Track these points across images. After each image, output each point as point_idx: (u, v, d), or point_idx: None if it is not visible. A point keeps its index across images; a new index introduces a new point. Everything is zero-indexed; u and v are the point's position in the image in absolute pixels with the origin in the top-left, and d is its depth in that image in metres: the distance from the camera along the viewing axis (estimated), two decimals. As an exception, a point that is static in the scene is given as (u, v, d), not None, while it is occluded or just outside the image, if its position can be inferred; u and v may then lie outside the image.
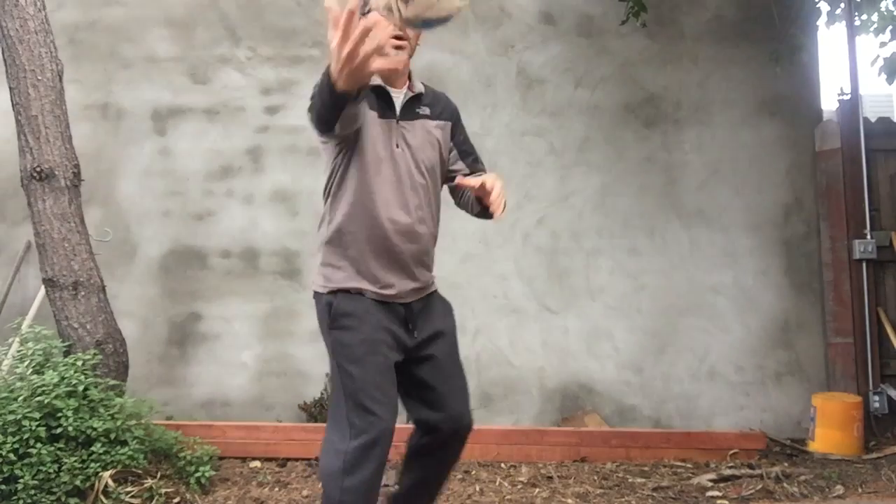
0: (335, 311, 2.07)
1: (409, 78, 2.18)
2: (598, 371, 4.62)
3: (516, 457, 3.91)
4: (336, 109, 1.80)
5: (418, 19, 1.82)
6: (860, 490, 3.56)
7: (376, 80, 2.09)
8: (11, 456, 2.99)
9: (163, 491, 3.23)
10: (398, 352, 2.08)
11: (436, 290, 2.24)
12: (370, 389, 1.99)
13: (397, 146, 2.10)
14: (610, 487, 3.56)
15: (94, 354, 3.43)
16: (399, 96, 2.14)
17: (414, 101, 2.17)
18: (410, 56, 2.14)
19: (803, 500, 3.44)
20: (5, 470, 2.98)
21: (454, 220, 4.60)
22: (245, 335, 4.66)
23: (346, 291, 2.08)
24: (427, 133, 2.16)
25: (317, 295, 2.15)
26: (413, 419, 2.22)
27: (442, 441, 2.18)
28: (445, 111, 2.24)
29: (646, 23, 4.50)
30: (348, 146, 2.09)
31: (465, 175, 2.24)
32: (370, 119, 2.07)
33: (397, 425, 2.02)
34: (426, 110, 2.18)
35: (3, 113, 4.06)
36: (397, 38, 2.03)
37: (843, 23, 4.65)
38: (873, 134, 4.66)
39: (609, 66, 4.82)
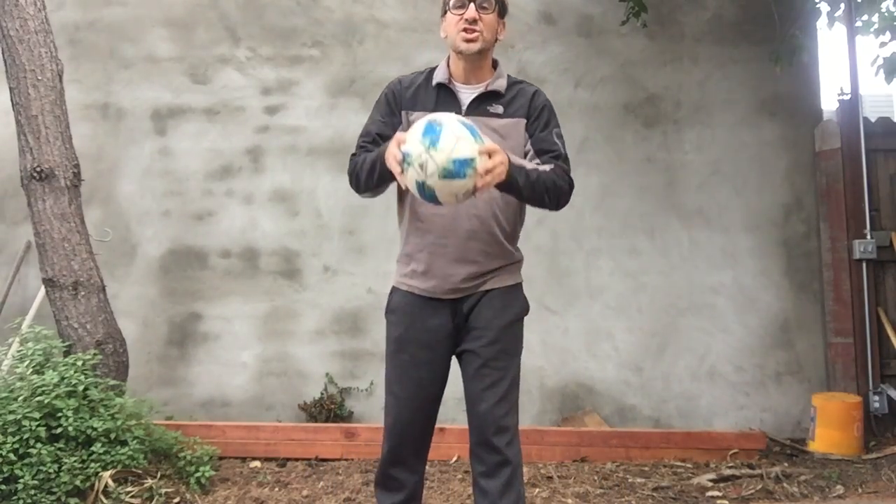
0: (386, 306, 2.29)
1: (493, 74, 2.21)
2: (598, 371, 4.62)
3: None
4: (383, 184, 2.12)
5: (444, 170, 1.83)
6: (860, 490, 3.57)
7: (441, 78, 2.20)
8: (11, 456, 2.99)
9: (163, 491, 3.23)
10: (440, 347, 2.19)
11: (499, 288, 2.20)
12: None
13: None
14: (610, 487, 3.56)
15: (94, 354, 3.43)
16: (469, 93, 2.18)
17: (486, 98, 2.18)
18: (487, 48, 2.16)
19: (803, 500, 3.44)
20: (5, 470, 2.98)
21: (454, 220, 4.62)
22: (245, 335, 4.66)
23: (396, 288, 2.26)
24: (493, 132, 2.12)
25: None
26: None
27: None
28: (522, 108, 2.19)
29: (646, 23, 4.51)
30: None
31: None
32: (417, 116, 2.11)
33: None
34: (499, 108, 2.18)
35: (3, 113, 4.06)
36: (467, 30, 2.12)
37: (844, 23, 4.65)
38: (873, 134, 4.66)
39: (609, 66, 4.82)
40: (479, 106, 2.17)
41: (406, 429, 2.21)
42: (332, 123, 4.78)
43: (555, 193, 2.13)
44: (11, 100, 3.63)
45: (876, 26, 4.50)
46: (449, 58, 2.23)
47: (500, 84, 2.20)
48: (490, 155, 1.88)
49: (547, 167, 2.14)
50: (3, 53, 3.66)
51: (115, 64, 4.84)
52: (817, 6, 4.63)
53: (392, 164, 1.89)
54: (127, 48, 4.84)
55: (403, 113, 2.21)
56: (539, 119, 2.20)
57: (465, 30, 2.12)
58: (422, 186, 1.85)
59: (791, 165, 4.75)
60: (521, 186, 2.01)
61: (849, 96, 4.69)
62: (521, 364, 2.24)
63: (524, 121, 2.19)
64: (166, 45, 4.85)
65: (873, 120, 4.75)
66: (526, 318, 2.31)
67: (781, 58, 4.43)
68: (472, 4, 2.13)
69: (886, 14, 4.44)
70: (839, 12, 4.55)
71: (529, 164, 2.13)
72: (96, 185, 4.60)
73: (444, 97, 2.19)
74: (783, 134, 4.77)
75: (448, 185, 1.83)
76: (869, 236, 4.55)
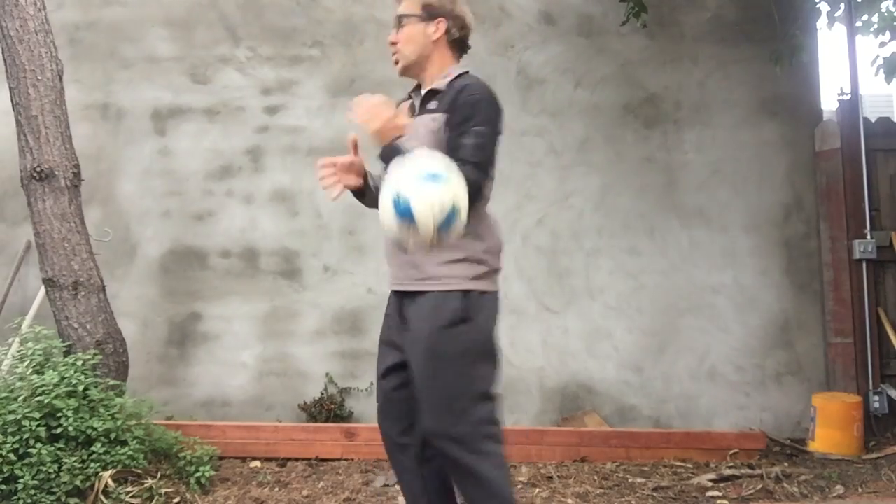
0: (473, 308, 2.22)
1: (439, 74, 2.25)
2: (598, 371, 4.62)
3: (516, 457, 3.91)
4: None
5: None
6: (860, 490, 3.57)
7: (412, 87, 2.31)
8: (11, 456, 2.99)
9: (163, 491, 3.23)
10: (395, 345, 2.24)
11: (431, 292, 2.12)
12: None
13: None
14: (610, 487, 3.56)
15: (94, 354, 3.43)
16: (419, 95, 2.28)
17: (428, 97, 2.23)
18: (412, 61, 2.25)
19: (803, 500, 3.44)
20: (5, 470, 2.98)
21: (454, 220, 4.62)
22: (245, 335, 4.66)
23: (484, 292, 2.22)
24: (424, 127, 2.16)
25: None
26: None
27: None
28: (446, 104, 2.15)
29: (646, 23, 4.50)
30: None
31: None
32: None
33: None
34: (434, 104, 2.20)
35: (3, 113, 4.06)
36: (393, 53, 2.24)
37: (844, 23, 4.65)
38: (873, 134, 4.66)
39: (609, 66, 4.82)
40: (422, 106, 2.24)
41: None
42: (332, 123, 4.77)
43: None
44: (11, 100, 3.63)
45: (876, 26, 4.50)
46: None
47: (441, 83, 2.21)
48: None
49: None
50: (3, 53, 3.66)
51: (115, 64, 4.84)
52: (817, 6, 4.63)
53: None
54: (127, 48, 4.84)
55: None
56: (455, 113, 2.11)
57: (392, 54, 2.27)
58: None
59: (791, 165, 4.75)
60: (401, 151, 1.97)
61: (849, 96, 4.69)
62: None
63: (444, 115, 2.13)
64: (166, 45, 4.85)
65: (873, 120, 4.74)
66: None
67: (781, 58, 4.43)
68: (394, 28, 2.28)
69: (886, 14, 4.44)
70: (839, 12, 4.55)
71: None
72: (96, 185, 4.60)
73: (413, 104, 2.30)
74: (783, 134, 4.76)
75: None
76: (869, 236, 4.55)
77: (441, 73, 2.24)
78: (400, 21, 2.25)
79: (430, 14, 2.23)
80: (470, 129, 2.08)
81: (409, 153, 1.94)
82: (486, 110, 2.13)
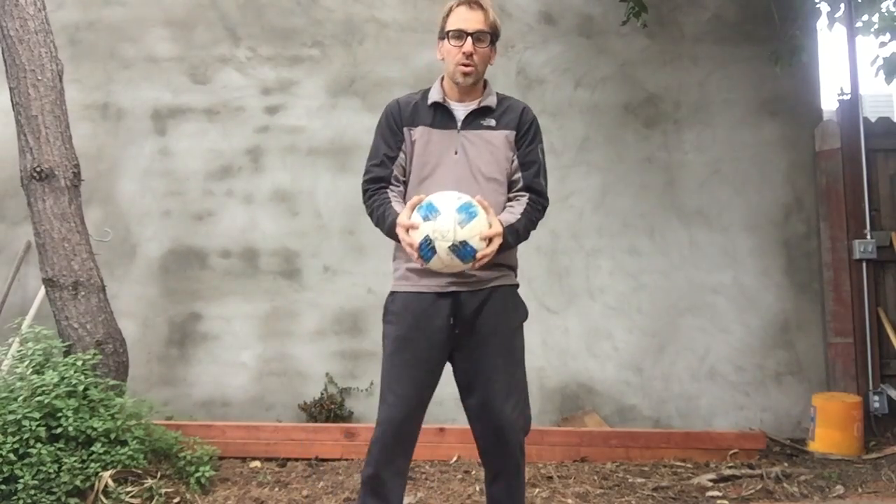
0: (384, 308, 2.37)
1: (483, 92, 2.37)
2: (598, 371, 4.62)
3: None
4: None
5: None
6: (860, 490, 3.57)
7: (435, 97, 2.35)
8: (11, 456, 2.99)
9: (163, 491, 3.23)
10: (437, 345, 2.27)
11: (501, 287, 2.30)
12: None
13: (456, 153, 2.30)
14: (610, 487, 3.56)
15: (94, 354, 3.43)
16: (463, 109, 2.34)
17: (479, 113, 2.34)
18: (481, 71, 2.33)
19: (803, 500, 3.44)
20: (5, 470, 2.98)
21: (454, 220, 4.62)
22: (245, 335, 4.66)
23: (394, 292, 2.35)
24: (487, 143, 2.31)
25: None
26: None
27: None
28: (512, 121, 2.34)
29: (646, 23, 4.50)
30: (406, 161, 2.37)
31: (518, 190, 2.35)
32: (420, 131, 2.32)
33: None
34: (491, 122, 2.33)
35: (3, 113, 4.06)
36: (465, 64, 2.29)
37: (844, 23, 4.65)
38: (873, 134, 4.66)
39: (609, 66, 4.82)
40: (474, 121, 2.33)
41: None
42: (332, 123, 4.78)
43: (534, 226, 2.34)
44: (11, 100, 3.63)
45: (876, 26, 4.51)
46: (443, 78, 2.39)
47: (492, 100, 2.37)
48: (490, 240, 2.11)
49: (522, 204, 2.31)
50: (3, 53, 3.66)
51: (115, 64, 4.84)
52: (817, 6, 4.63)
53: (408, 250, 2.14)
54: (127, 48, 4.84)
55: (405, 130, 2.35)
56: (527, 134, 2.36)
57: (462, 63, 2.29)
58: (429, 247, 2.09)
59: (791, 165, 4.75)
60: (513, 243, 2.25)
61: (849, 96, 4.69)
62: None
63: (514, 133, 2.34)
64: (166, 45, 4.84)
65: (873, 120, 4.75)
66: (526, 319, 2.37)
67: (781, 58, 4.43)
68: (469, 38, 2.28)
69: (886, 14, 4.45)
70: (839, 12, 4.54)
71: (513, 215, 2.27)
72: (96, 185, 4.60)
73: (440, 114, 2.35)
74: (783, 134, 4.76)
75: (451, 259, 2.09)
76: (869, 236, 4.55)
77: (486, 92, 2.38)
78: (480, 37, 2.29)
79: (494, 39, 2.36)
80: (536, 147, 2.37)
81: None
82: (540, 130, 2.42)
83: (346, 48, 4.84)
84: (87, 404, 3.24)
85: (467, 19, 2.29)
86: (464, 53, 2.27)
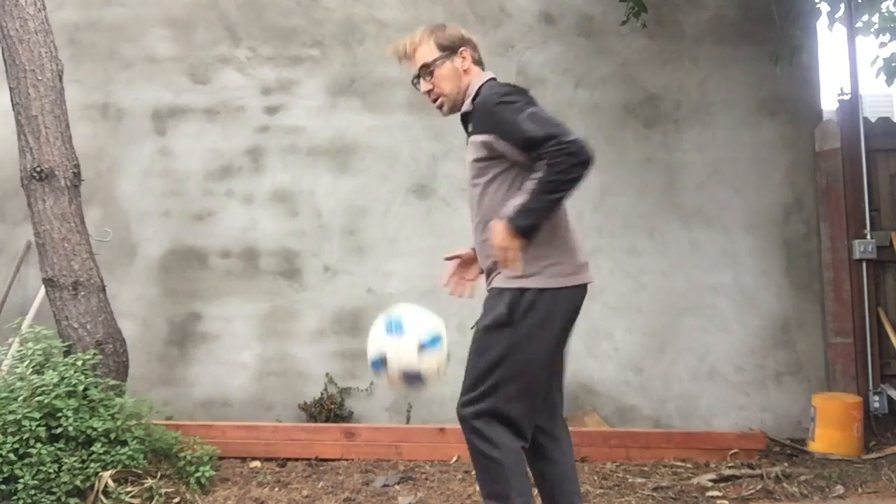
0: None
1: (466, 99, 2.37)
2: (598, 371, 4.62)
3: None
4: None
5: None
6: (860, 490, 3.56)
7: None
8: (11, 456, 3.00)
9: (163, 491, 3.23)
10: None
11: (494, 287, 2.30)
12: None
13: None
14: (610, 487, 3.56)
15: (94, 354, 3.43)
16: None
17: (465, 121, 2.38)
18: (457, 96, 2.36)
19: (803, 500, 3.44)
20: (5, 470, 2.98)
21: (454, 220, 4.62)
22: (245, 335, 4.66)
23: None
24: (472, 146, 2.31)
25: None
26: None
27: None
28: (478, 123, 2.29)
29: (646, 23, 4.50)
30: None
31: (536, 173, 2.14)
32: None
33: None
34: (471, 126, 2.34)
35: (3, 113, 4.06)
36: (433, 101, 2.37)
37: (844, 24, 4.65)
38: (873, 134, 4.66)
39: (609, 66, 4.82)
40: (467, 131, 2.38)
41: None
42: (332, 123, 4.78)
43: (558, 185, 2.07)
44: (11, 100, 3.63)
45: (876, 27, 4.51)
46: None
47: (467, 105, 2.36)
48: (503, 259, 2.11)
49: (536, 175, 2.10)
50: (3, 53, 3.66)
51: (115, 64, 4.84)
52: (817, 6, 4.63)
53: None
54: (127, 48, 4.84)
55: None
56: (488, 121, 2.23)
57: (432, 102, 2.40)
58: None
59: (791, 165, 4.75)
60: (532, 223, 2.08)
61: (849, 96, 4.69)
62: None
63: (483, 134, 2.25)
64: (166, 45, 4.85)
65: (873, 120, 4.74)
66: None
67: (781, 58, 4.43)
68: (418, 81, 2.38)
69: (886, 14, 4.45)
70: (839, 12, 4.54)
71: (521, 196, 2.11)
72: (96, 185, 4.60)
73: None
74: (783, 134, 4.76)
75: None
76: (869, 236, 4.55)
77: (467, 95, 2.36)
78: (427, 71, 2.35)
79: (451, 49, 2.36)
80: (499, 119, 2.18)
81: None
82: (496, 105, 2.21)
83: (346, 48, 4.84)
84: (87, 404, 3.24)
85: (407, 68, 2.41)
86: (426, 94, 2.38)
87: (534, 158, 2.12)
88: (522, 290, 2.21)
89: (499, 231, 2.08)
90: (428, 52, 2.36)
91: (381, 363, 2.08)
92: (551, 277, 2.22)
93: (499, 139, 2.20)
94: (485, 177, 2.28)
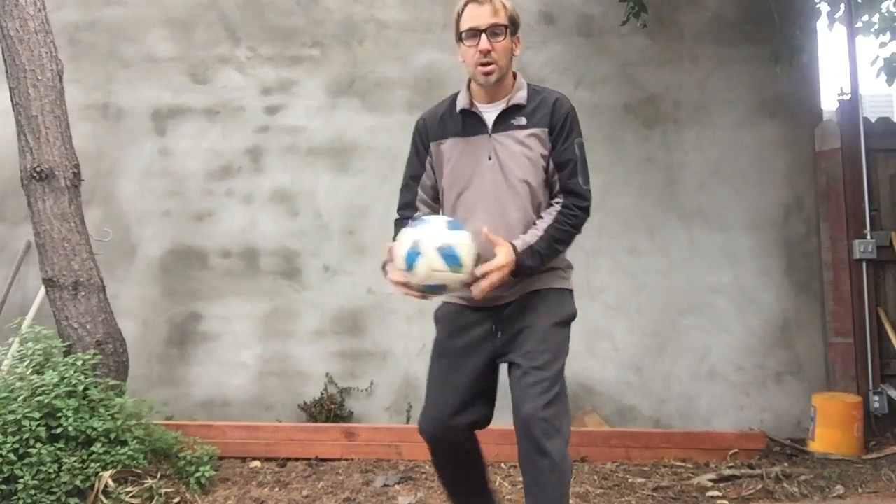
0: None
1: (513, 88, 2.27)
2: (598, 371, 4.62)
3: (516, 457, 3.89)
4: None
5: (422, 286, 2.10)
6: (860, 490, 3.57)
7: (463, 104, 2.27)
8: (11, 456, 2.99)
9: (163, 491, 3.23)
10: (478, 353, 2.27)
11: (541, 290, 2.26)
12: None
13: (489, 158, 2.23)
14: (610, 487, 3.56)
15: (94, 354, 3.43)
16: (493, 111, 2.26)
17: (509, 113, 2.25)
18: (503, 66, 2.23)
19: (803, 500, 3.44)
20: (5, 470, 2.98)
21: (454, 220, 4.62)
22: (245, 335, 4.66)
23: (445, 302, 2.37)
24: (519, 143, 2.22)
25: None
26: None
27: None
28: (544, 118, 2.24)
29: (646, 23, 4.50)
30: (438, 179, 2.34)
31: (555, 195, 2.26)
32: (451, 143, 2.27)
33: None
34: (522, 120, 2.24)
35: (3, 113, 4.06)
36: (484, 63, 2.19)
37: (844, 23, 4.65)
38: (873, 134, 4.66)
39: (609, 66, 4.82)
40: (504, 121, 2.24)
41: None
42: (333, 123, 4.78)
43: (563, 240, 2.22)
44: (11, 100, 3.63)
45: (876, 26, 4.50)
46: (469, 81, 2.31)
47: (521, 96, 2.26)
48: (485, 275, 2.06)
49: (550, 216, 2.20)
50: (3, 53, 3.66)
51: (115, 64, 4.84)
52: (817, 6, 4.63)
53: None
54: (127, 48, 4.84)
55: (432, 145, 2.32)
56: (562, 130, 2.25)
57: (481, 63, 2.20)
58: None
59: (791, 165, 4.75)
60: (534, 266, 2.15)
61: (849, 96, 4.69)
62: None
63: (546, 130, 2.24)
64: (166, 45, 4.85)
65: (873, 120, 4.74)
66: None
67: (781, 58, 4.43)
68: (482, 35, 2.19)
69: (886, 14, 4.44)
70: (839, 13, 4.54)
71: (534, 235, 2.17)
72: (96, 185, 4.60)
73: (470, 120, 2.27)
74: (783, 134, 4.76)
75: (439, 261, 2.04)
76: (869, 236, 4.55)
77: (515, 87, 2.28)
78: (494, 31, 2.20)
79: (514, 30, 2.28)
80: (572, 143, 2.25)
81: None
82: (577, 121, 2.29)
83: (346, 48, 4.84)
84: (87, 404, 3.24)
85: (477, 16, 2.20)
86: (480, 52, 2.18)
87: (550, 187, 2.24)
88: (571, 292, 2.35)
89: (507, 260, 2.10)
90: (503, 15, 2.23)
91: (415, 253, 2.03)
92: (571, 280, 2.37)
93: (551, 146, 2.23)
94: (537, 177, 2.24)
